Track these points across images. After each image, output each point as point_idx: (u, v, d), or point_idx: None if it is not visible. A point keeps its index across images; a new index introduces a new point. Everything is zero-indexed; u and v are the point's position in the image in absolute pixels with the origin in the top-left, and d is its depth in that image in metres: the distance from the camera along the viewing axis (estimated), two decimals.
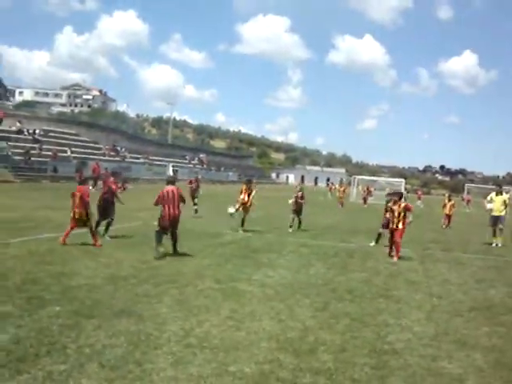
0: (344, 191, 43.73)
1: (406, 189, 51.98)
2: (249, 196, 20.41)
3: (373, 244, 18.34)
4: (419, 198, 59.84)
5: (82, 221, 14.17)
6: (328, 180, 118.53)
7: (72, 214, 14.17)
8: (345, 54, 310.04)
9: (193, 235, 17.35)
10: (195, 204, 25.39)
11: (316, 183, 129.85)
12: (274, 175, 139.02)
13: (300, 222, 22.52)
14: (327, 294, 10.24)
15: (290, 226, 21.81)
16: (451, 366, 6.74)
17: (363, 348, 7.10)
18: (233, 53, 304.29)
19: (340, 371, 6.21)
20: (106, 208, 15.81)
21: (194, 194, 26.03)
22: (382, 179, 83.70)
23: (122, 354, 6.23)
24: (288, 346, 6.93)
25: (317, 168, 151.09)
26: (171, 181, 14.69)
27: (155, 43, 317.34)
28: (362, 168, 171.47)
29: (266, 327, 7.73)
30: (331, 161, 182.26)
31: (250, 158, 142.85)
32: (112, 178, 16.69)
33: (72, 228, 14.21)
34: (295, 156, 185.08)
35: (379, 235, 18.41)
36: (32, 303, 8.05)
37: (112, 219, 15.88)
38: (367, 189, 54.57)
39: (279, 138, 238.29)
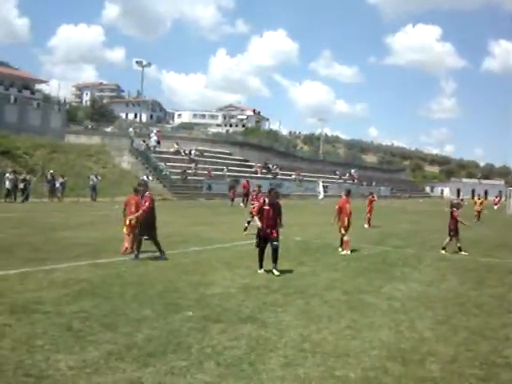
0: (481, 203, 40.71)
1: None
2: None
3: None
4: None
5: None
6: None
7: None
8: (501, 60, 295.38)
9: (330, 249, 17.82)
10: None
11: (473, 196, 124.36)
12: (428, 188, 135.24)
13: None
14: (453, 308, 10.23)
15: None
16: None
17: (475, 360, 7.14)
18: (383, 65, 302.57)
19: (444, 380, 6.35)
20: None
21: None
22: None
23: (239, 355, 6.84)
24: (398, 356, 7.16)
25: (473, 180, 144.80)
26: None
27: (305, 61, 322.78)
28: None
29: (381, 337, 8.00)
30: (489, 172, 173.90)
31: (402, 171, 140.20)
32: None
33: None
34: (450, 168, 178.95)
35: None
36: (168, 308, 8.95)
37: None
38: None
39: (434, 151, 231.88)
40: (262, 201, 13.83)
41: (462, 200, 28.13)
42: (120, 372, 6.03)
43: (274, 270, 12.89)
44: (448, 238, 19.15)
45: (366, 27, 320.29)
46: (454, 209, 19.39)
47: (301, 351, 7.13)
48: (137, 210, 14.60)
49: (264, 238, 13.21)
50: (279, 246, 13.26)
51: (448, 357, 7.24)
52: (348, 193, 18.70)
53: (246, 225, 21.24)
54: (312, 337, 7.82)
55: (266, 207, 13.46)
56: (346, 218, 17.52)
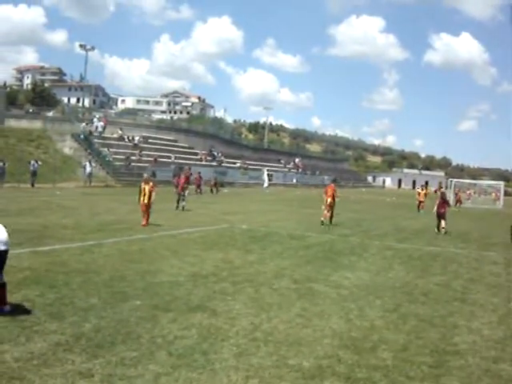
0: (425, 195, 41.26)
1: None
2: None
3: None
4: (498, 199, 61.35)
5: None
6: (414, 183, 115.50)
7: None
8: (442, 53, 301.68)
9: (278, 238, 17.84)
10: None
11: (414, 187, 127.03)
12: (370, 178, 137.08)
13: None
14: (401, 296, 10.35)
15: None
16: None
17: (425, 348, 7.22)
18: (327, 55, 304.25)
19: (397, 368, 6.39)
20: None
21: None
22: (481, 182, 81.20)
23: (191, 344, 6.70)
24: (350, 344, 7.17)
25: (414, 171, 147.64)
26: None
27: (249, 48, 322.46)
28: (462, 171, 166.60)
29: (332, 325, 8.00)
30: (430, 164, 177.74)
31: (345, 161, 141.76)
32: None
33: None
34: (392, 159, 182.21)
35: None
36: (116, 297, 8.72)
37: None
38: (458, 192, 53.37)
39: (376, 141, 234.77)
40: None
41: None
42: (69, 363, 5.81)
43: None
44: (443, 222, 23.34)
45: (310, 17, 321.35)
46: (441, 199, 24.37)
47: (253, 340, 7.05)
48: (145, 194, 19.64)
49: None
50: None
51: (399, 345, 7.28)
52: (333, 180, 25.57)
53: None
54: (263, 325, 7.76)
55: None
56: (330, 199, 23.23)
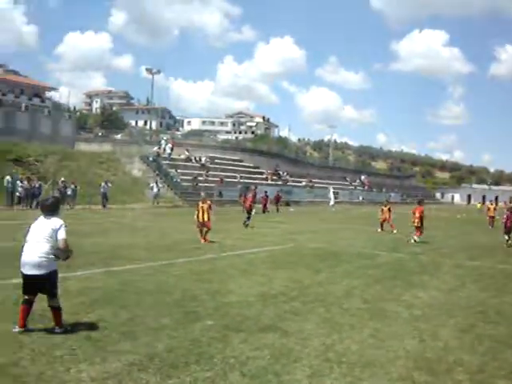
0: (495, 209, 39.13)
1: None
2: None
3: None
4: None
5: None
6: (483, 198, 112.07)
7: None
8: (507, 65, 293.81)
9: (346, 257, 17.69)
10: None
11: (484, 202, 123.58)
12: (438, 195, 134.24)
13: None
14: (475, 316, 10.06)
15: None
16: None
17: (502, 369, 6.98)
18: (390, 71, 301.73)
19: None
20: None
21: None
22: None
23: (264, 365, 6.71)
24: (425, 365, 7.02)
25: (484, 186, 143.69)
26: None
27: (312, 67, 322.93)
28: None
29: (406, 346, 7.85)
30: (499, 178, 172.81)
31: (412, 177, 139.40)
32: None
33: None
34: (460, 174, 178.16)
35: None
36: (187, 317, 8.84)
37: None
38: None
39: (443, 157, 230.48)
40: None
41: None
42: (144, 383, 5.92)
43: None
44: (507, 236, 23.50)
45: (371, 33, 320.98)
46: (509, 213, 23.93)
47: (325, 361, 7.00)
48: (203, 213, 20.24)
49: None
50: None
51: (475, 366, 7.08)
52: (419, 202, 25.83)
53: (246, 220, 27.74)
54: (336, 346, 7.68)
55: None
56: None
